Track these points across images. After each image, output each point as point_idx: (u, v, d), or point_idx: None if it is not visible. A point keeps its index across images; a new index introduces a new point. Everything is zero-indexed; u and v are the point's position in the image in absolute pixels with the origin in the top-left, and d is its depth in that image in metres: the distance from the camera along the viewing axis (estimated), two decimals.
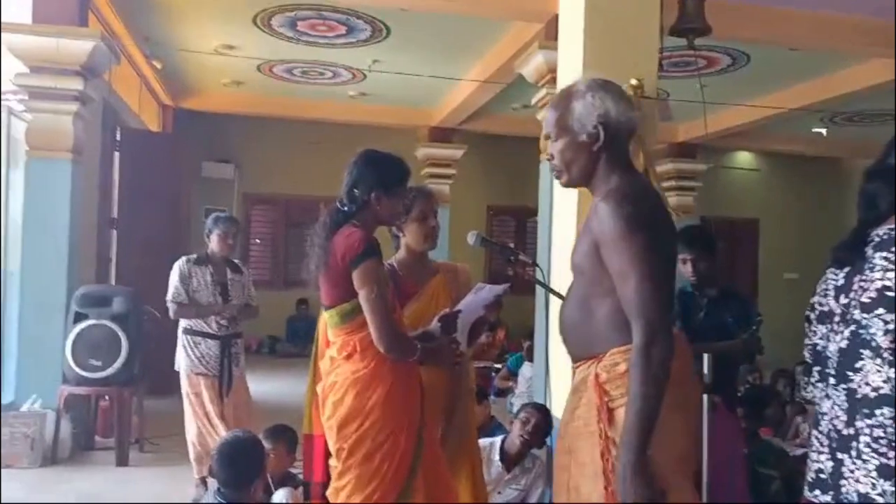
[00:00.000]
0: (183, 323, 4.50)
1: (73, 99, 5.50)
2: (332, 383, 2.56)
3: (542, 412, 3.84)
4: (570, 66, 4.23)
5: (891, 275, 1.90)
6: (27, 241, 5.47)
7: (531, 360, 6.77)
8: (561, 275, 4.21)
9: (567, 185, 2.11)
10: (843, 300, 2.07)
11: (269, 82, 8.72)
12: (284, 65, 8.00)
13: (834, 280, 2.13)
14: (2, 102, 5.80)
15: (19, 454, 4.99)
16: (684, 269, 3.69)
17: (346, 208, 2.62)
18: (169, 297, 4.46)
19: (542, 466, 3.88)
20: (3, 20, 5.24)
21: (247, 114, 9.87)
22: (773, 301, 10.76)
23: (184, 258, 4.57)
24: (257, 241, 11.62)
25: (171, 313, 4.49)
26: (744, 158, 12.23)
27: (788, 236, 12.09)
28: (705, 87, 6.01)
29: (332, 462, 2.58)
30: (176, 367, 4.52)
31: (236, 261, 4.74)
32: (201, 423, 4.40)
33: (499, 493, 3.58)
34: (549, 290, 3.11)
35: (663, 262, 1.90)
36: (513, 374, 7.66)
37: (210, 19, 6.66)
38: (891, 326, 1.86)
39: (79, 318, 5.22)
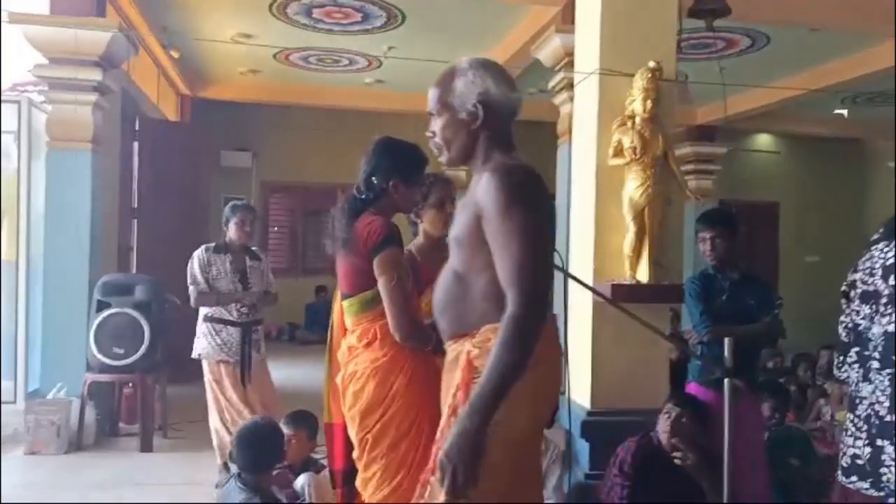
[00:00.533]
0: (203, 310, 4.54)
1: (92, 89, 5.54)
2: (353, 373, 2.55)
3: None
4: (587, 49, 4.21)
5: None
6: (49, 232, 5.54)
7: None
8: (579, 260, 4.21)
9: (448, 163, 2.09)
10: (892, 281, 2.03)
11: (285, 70, 8.74)
12: (300, 52, 8.01)
13: (882, 258, 2.07)
14: (22, 94, 5.85)
15: (45, 441, 5.07)
16: (703, 248, 3.66)
17: (363, 196, 2.62)
18: (189, 285, 4.49)
19: (557, 450, 3.88)
20: (22, 12, 5.30)
21: (264, 102, 9.90)
22: (794, 284, 10.68)
23: (203, 247, 4.60)
24: (275, 228, 11.67)
25: (191, 301, 4.53)
26: (764, 141, 12.10)
27: (809, 219, 11.96)
28: (724, 69, 5.95)
29: (356, 454, 2.57)
30: (194, 355, 4.55)
31: (255, 248, 4.77)
32: (223, 410, 4.45)
33: None
34: (567, 275, 3.10)
35: (543, 237, 1.86)
36: None
37: (226, 8, 6.68)
38: None
39: (101, 306, 5.28)
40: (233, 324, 4.49)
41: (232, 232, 4.57)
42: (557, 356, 1.97)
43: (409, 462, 2.45)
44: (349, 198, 2.65)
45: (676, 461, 3.29)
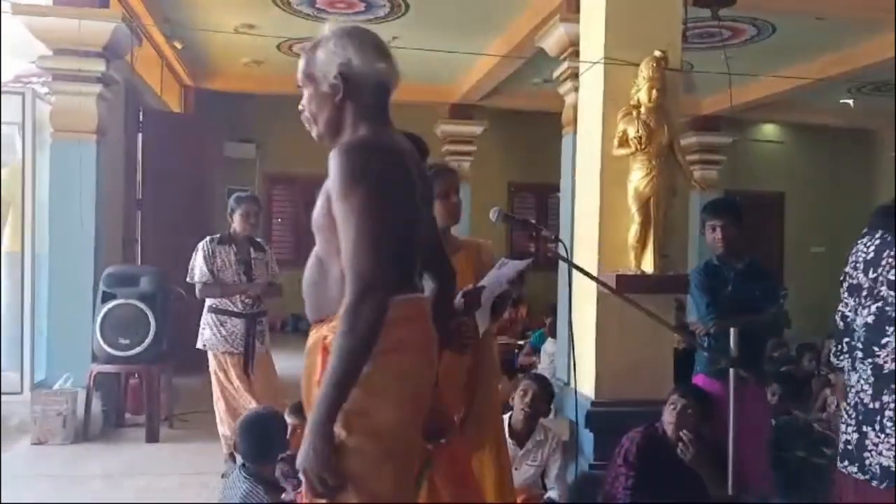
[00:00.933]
0: (208, 302, 4.55)
1: (95, 81, 5.54)
2: None
3: (539, 381, 3.83)
4: (592, 39, 4.19)
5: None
6: (54, 223, 5.55)
7: (553, 336, 6.76)
8: (584, 250, 4.20)
9: (318, 139, 1.98)
10: (871, 274, 2.07)
11: (289, 61, 8.70)
12: (304, 43, 7.97)
13: (864, 253, 2.12)
14: (25, 85, 5.85)
15: (52, 431, 5.10)
16: (713, 237, 3.64)
17: None
18: (195, 277, 4.50)
19: (557, 440, 3.88)
20: (26, 3, 5.29)
21: (267, 93, 9.87)
22: (799, 275, 10.66)
23: (207, 238, 4.61)
24: (279, 220, 11.67)
25: (196, 293, 4.54)
26: (769, 131, 12.04)
27: (815, 210, 11.92)
28: (730, 58, 5.91)
29: None
30: (199, 346, 4.57)
31: (259, 240, 4.78)
32: (229, 400, 4.47)
33: (516, 469, 3.58)
34: (572, 265, 3.10)
35: (388, 217, 1.74)
36: (536, 351, 7.67)
37: None
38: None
39: (107, 297, 5.29)
40: (237, 315, 4.50)
41: (237, 223, 4.57)
42: (425, 339, 1.88)
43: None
44: None
45: (678, 453, 3.30)
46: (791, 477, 4.24)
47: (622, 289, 3.64)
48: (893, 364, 2.04)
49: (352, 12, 6.89)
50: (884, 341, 2.09)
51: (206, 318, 4.55)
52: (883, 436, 2.08)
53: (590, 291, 4.04)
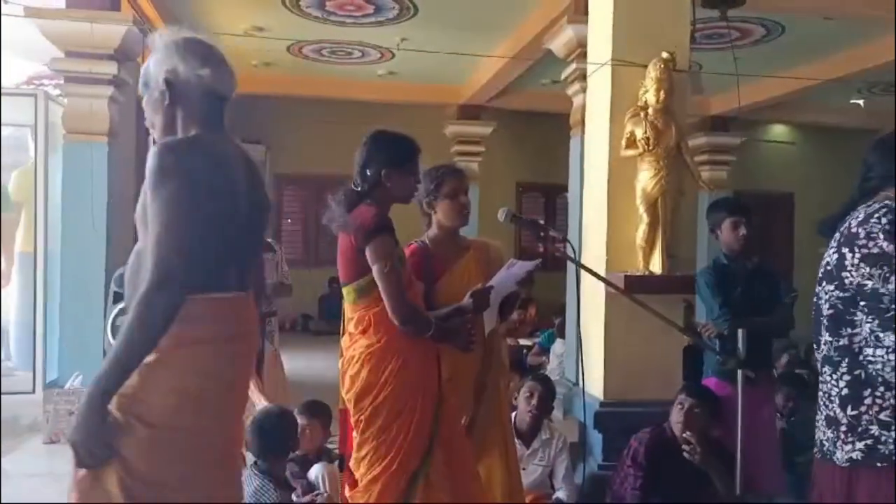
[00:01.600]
0: None
1: (107, 83, 5.58)
2: (350, 357, 2.64)
3: (543, 382, 3.84)
4: (600, 40, 4.20)
5: (834, 254, 2.04)
6: (66, 223, 5.60)
7: (562, 336, 6.77)
8: (592, 251, 4.21)
9: (155, 142, 2.01)
10: (823, 285, 2.21)
11: (298, 63, 8.76)
12: (313, 45, 8.02)
13: (824, 263, 2.26)
14: (38, 88, 5.90)
15: (64, 430, 5.13)
16: (734, 234, 3.59)
17: (359, 188, 2.68)
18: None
19: (563, 439, 3.89)
20: (38, 6, 5.33)
21: (277, 95, 9.92)
22: (809, 276, 10.60)
23: None
24: (289, 220, 11.73)
25: None
26: (778, 131, 12.01)
27: (825, 210, 11.70)
28: (738, 59, 5.91)
29: (354, 434, 2.67)
30: None
31: (270, 240, 4.80)
32: None
33: (523, 469, 3.59)
34: (580, 266, 3.11)
35: (193, 215, 1.78)
36: (545, 351, 7.68)
37: (239, 1, 6.70)
38: (830, 299, 2.10)
39: (118, 297, 5.32)
40: None
41: None
42: (226, 338, 1.90)
43: (398, 444, 2.55)
44: (346, 190, 2.72)
45: (685, 455, 3.30)
46: (803, 478, 4.22)
47: (630, 289, 3.65)
48: (820, 351, 2.21)
49: (360, 14, 6.92)
50: (819, 330, 2.24)
51: None
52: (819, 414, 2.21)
53: (598, 292, 4.05)
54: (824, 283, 2.14)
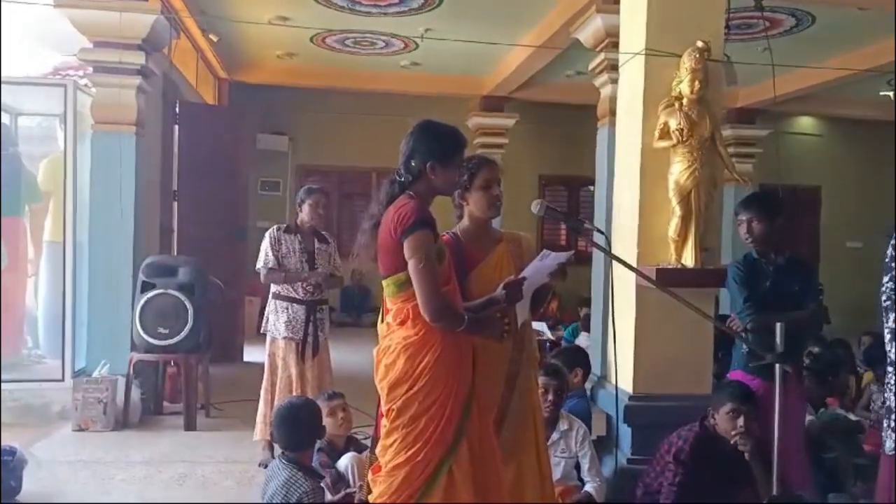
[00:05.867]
0: (273, 289, 4.69)
1: (135, 73, 5.61)
2: (386, 347, 2.65)
3: (556, 376, 3.82)
4: (633, 29, 4.15)
5: (891, 249, 2.12)
6: (94, 213, 5.64)
7: (587, 329, 6.73)
8: (622, 243, 4.17)
9: None
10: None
11: (321, 53, 8.75)
12: (337, 35, 8.00)
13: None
14: (66, 77, 5.93)
15: (93, 418, 5.19)
16: (741, 231, 3.62)
17: (402, 179, 2.67)
18: (260, 262, 4.64)
19: (584, 431, 3.87)
20: None
21: (300, 85, 9.93)
22: (836, 270, 10.49)
23: (275, 226, 4.77)
24: None
25: (261, 277, 4.68)
26: (805, 123, 11.86)
27: (851, 204, 11.71)
28: (766, 49, 5.82)
29: (384, 421, 2.67)
30: (262, 331, 4.71)
31: (324, 232, 4.87)
32: (276, 386, 4.56)
33: None
34: (615, 258, 3.08)
35: None
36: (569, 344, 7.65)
37: None
38: (887, 290, 2.11)
39: (146, 287, 5.37)
40: (299, 302, 4.62)
41: (305, 213, 4.70)
42: None
43: (426, 436, 2.56)
44: (389, 181, 2.71)
45: (741, 448, 3.25)
46: (830, 473, 4.18)
47: (662, 282, 3.60)
48: None
49: (385, 4, 6.89)
50: None
51: (270, 305, 4.70)
52: None
53: (629, 285, 4.01)
54: (885, 276, 2.13)
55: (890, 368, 2.13)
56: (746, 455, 3.24)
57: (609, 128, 5.41)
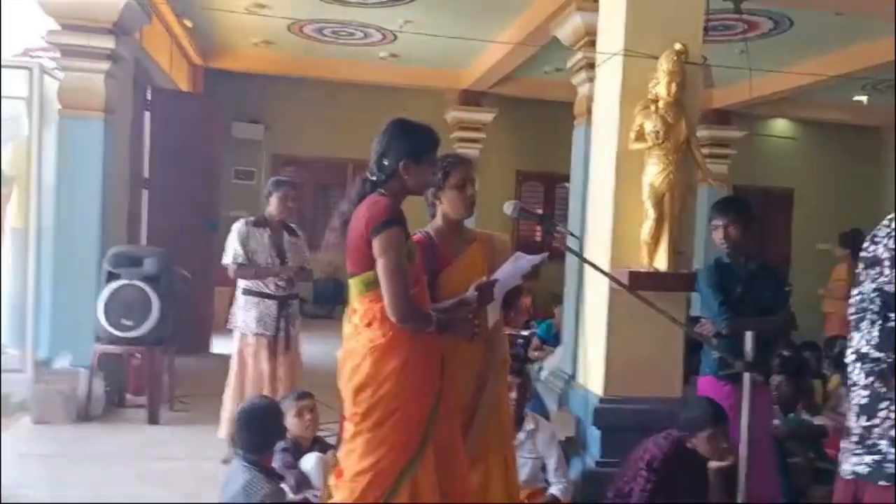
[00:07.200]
0: (242, 284, 4.59)
1: (104, 57, 5.48)
2: (352, 349, 2.60)
3: (519, 374, 3.79)
4: (611, 29, 4.12)
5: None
6: (60, 200, 5.51)
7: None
8: (596, 245, 4.14)
9: None
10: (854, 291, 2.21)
11: (299, 42, 8.63)
12: (315, 25, 7.89)
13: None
14: (33, 60, 5.77)
15: (54, 410, 5.07)
16: (716, 236, 3.60)
17: (374, 177, 2.63)
18: (229, 258, 4.51)
19: (550, 431, 3.84)
20: None
21: (277, 74, 9.79)
22: (807, 272, 10.58)
23: (242, 220, 4.65)
24: None
25: (230, 273, 4.58)
26: (780, 126, 11.94)
27: (824, 207, 11.83)
28: (744, 52, 5.83)
29: (347, 424, 2.62)
30: (230, 327, 4.61)
31: (293, 224, 4.78)
32: (243, 384, 4.47)
33: None
34: (586, 262, 3.05)
35: None
36: (544, 342, 7.64)
37: None
38: (855, 303, 2.04)
39: (111, 277, 5.25)
40: (270, 297, 4.53)
41: (273, 207, 4.60)
42: None
43: (391, 440, 2.52)
44: (361, 179, 2.67)
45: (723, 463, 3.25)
46: (794, 481, 4.20)
47: (634, 286, 3.59)
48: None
49: None
50: None
51: (238, 300, 4.59)
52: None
53: (601, 287, 3.99)
54: (853, 289, 2.09)
55: (852, 389, 2.09)
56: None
57: (585, 127, 5.39)
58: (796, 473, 4.27)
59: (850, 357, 2.03)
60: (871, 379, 1.97)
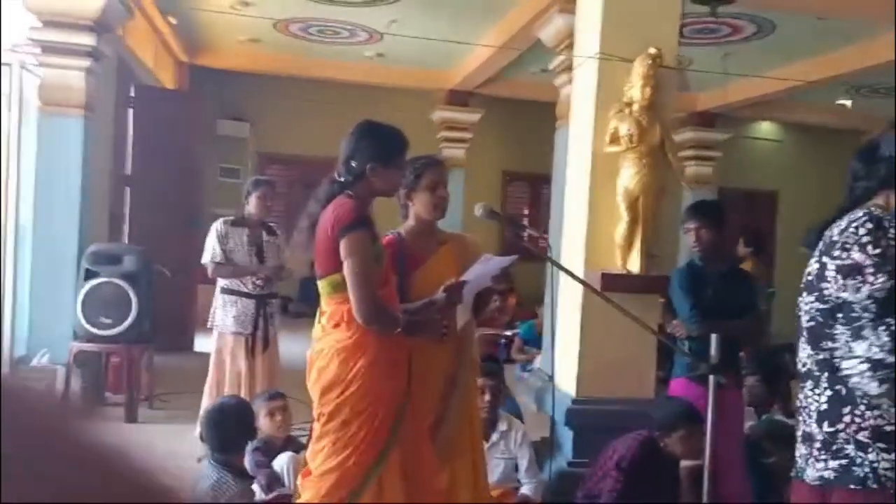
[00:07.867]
0: (220, 283, 4.59)
1: (85, 54, 5.46)
2: (320, 350, 2.62)
3: (491, 376, 3.79)
4: (588, 32, 4.14)
5: (816, 263, 1.99)
6: (39, 198, 5.49)
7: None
8: (572, 246, 4.17)
9: None
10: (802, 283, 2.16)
11: (285, 40, 8.61)
12: (301, 23, 7.89)
13: (806, 273, 2.19)
14: (14, 57, 5.75)
15: None
16: (688, 239, 3.63)
17: (342, 179, 2.63)
18: (207, 257, 4.52)
19: (522, 431, 3.85)
20: None
21: (263, 72, 9.78)
22: (790, 274, 10.63)
23: (221, 220, 4.66)
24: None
25: (208, 272, 4.58)
26: (765, 129, 12.01)
27: (807, 209, 11.87)
28: (728, 55, 5.87)
29: (315, 424, 2.64)
30: (209, 326, 4.62)
31: (272, 224, 4.78)
32: (222, 383, 4.47)
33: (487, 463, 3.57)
34: (555, 264, 3.06)
35: None
36: (526, 342, 7.65)
37: None
38: (810, 311, 2.04)
39: (90, 275, 5.24)
40: (248, 296, 4.53)
41: (252, 206, 4.61)
42: None
43: (357, 441, 2.53)
44: (329, 180, 2.67)
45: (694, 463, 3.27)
46: (766, 479, 4.22)
47: (607, 288, 3.61)
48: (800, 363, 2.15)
49: None
50: (801, 341, 2.14)
51: (217, 299, 4.59)
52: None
53: (576, 288, 4.00)
54: (805, 294, 2.07)
55: (807, 396, 2.09)
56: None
57: (567, 128, 5.40)
58: (772, 474, 4.30)
59: (850, 366, 1.97)
60: (885, 386, 1.90)
